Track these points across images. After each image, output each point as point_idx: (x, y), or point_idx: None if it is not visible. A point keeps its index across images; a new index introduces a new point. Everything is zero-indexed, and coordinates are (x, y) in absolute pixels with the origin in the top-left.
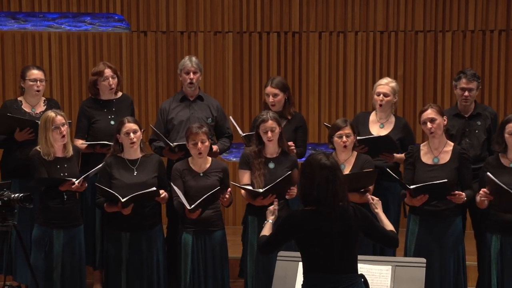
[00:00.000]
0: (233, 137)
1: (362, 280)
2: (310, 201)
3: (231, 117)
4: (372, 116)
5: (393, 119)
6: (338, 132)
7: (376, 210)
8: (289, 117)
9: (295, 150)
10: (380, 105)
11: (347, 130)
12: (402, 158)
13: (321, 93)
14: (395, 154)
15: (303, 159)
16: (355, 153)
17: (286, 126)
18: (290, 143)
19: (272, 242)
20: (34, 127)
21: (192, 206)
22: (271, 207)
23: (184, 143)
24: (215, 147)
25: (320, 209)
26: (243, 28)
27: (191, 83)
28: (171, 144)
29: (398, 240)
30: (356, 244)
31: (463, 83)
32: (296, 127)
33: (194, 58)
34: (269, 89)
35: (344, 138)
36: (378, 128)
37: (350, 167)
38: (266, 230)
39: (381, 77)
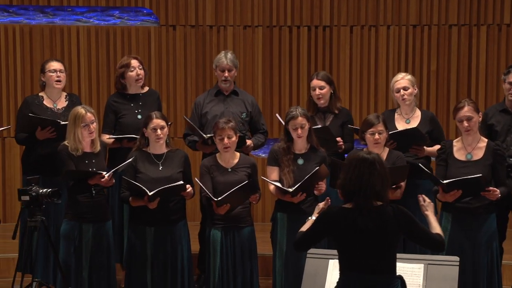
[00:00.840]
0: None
1: (400, 282)
2: (348, 197)
3: (277, 115)
4: (397, 114)
5: (418, 112)
6: (371, 129)
7: (426, 212)
8: (336, 112)
9: (343, 146)
10: (404, 99)
11: (380, 127)
12: (433, 151)
13: (352, 89)
14: (425, 148)
15: None
16: (386, 149)
17: (333, 121)
18: (338, 139)
19: (308, 238)
20: (55, 126)
21: (219, 198)
22: (321, 204)
23: None
24: (249, 142)
25: (357, 205)
26: (273, 22)
27: (225, 80)
28: (204, 135)
29: (443, 244)
30: (395, 244)
31: None
32: (343, 122)
33: (229, 55)
34: (315, 82)
35: (377, 136)
36: (404, 124)
37: None
38: (305, 226)
39: (413, 72)
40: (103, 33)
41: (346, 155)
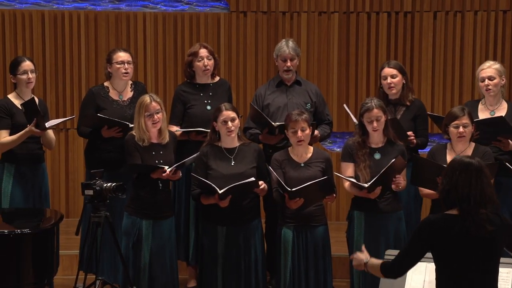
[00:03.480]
0: (334, 125)
1: None
2: (452, 204)
3: (345, 105)
4: (481, 105)
5: (504, 104)
6: (455, 122)
7: None
8: (408, 104)
9: (415, 141)
10: (488, 90)
11: (465, 120)
12: None
13: (435, 79)
14: (510, 141)
15: (426, 149)
16: (472, 144)
17: (404, 114)
18: (410, 133)
19: (408, 255)
20: (123, 128)
21: (294, 189)
22: (361, 255)
23: None
24: (316, 132)
25: (463, 213)
26: (350, 8)
27: (287, 70)
28: (273, 123)
29: None
30: (499, 256)
31: None
32: (415, 115)
33: (291, 43)
34: (386, 70)
35: (461, 129)
36: (488, 116)
37: None
38: (376, 261)
39: (502, 61)
40: (170, 20)
41: (420, 150)
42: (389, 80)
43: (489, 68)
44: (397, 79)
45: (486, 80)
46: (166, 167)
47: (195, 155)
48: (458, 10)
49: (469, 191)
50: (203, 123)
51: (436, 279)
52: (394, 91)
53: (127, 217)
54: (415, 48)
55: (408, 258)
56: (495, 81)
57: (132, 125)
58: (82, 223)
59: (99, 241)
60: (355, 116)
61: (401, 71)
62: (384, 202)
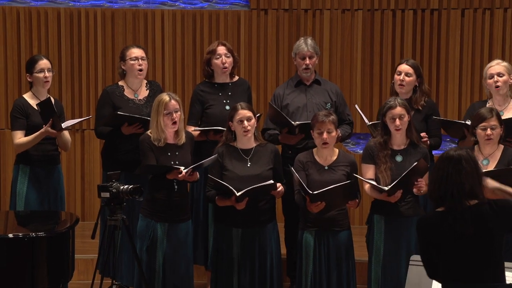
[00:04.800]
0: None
1: None
2: (438, 200)
3: (356, 106)
4: (489, 104)
5: None
6: (482, 124)
7: None
8: (420, 108)
9: (428, 142)
10: (497, 87)
11: (493, 121)
12: None
13: (462, 79)
14: None
15: (439, 151)
16: (501, 146)
17: (414, 116)
18: (423, 134)
19: (426, 262)
20: (143, 123)
21: (316, 192)
22: None
23: (308, 122)
24: (337, 132)
25: (449, 208)
26: (375, 5)
27: (306, 68)
28: (292, 122)
29: None
30: (500, 247)
31: None
32: (427, 115)
33: (309, 40)
34: (402, 66)
35: (489, 131)
36: None
37: (495, 162)
38: None
39: None
40: (189, 18)
41: (434, 152)
42: (402, 76)
43: (498, 65)
44: (410, 78)
45: (495, 76)
46: (182, 168)
47: (213, 156)
48: (487, 7)
49: (446, 184)
50: (222, 123)
51: (441, 279)
52: (403, 90)
53: (142, 219)
54: (441, 47)
55: (428, 264)
56: (504, 77)
57: None
58: (101, 227)
59: (117, 245)
60: (370, 118)
61: (417, 72)
62: (405, 205)
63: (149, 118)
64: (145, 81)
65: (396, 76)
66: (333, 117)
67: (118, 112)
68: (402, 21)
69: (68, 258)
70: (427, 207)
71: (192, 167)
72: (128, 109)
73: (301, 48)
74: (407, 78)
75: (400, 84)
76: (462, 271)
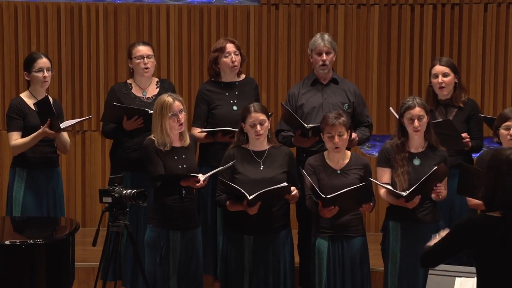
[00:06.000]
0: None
1: None
2: (495, 205)
3: (391, 108)
4: None
5: None
6: (505, 123)
7: None
8: (461, 105)
9: (470, 143)
10: None
11: None
12: None
13: (485, 77)
14: None
15: (477, 154)
16: None
17: (456, 116)
18: (464, 134)
19: (440, 252)
20: (142, 115)
21: (328, 196)
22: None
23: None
24: (354, 134)
25: (504, 216)
26: (392, 0)
27: (323, 65)
28: (305, 125)
29: None
30: None
31: None
32: (468, 116)
33: (326, 36)
34: (437, 68)
35: None
36: None
37: None
38: (433, 241)
39: None
40: (196, 13)
41: (474, 154)
42: (440, 79)
43: None
44: (449, 78)
45: None
46: (200, 175)
47: (229, 164)
48: (511, 1)
49: (503, 190)
50: (229, 124)
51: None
52: (445, 91)
53: (152, 229)
54: (463, 44)
55: (440, 255)
56: None
57: (151, 111)
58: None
59: (122, 252)
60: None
61: (454, 69)
62: (423, 211)
63: (146, 109)
64: (156, 79)
65: (433, 80)
66: (343, 118)
67: (114, 103)
68: (421, 17)
69: (68, 266)
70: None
71: (209, 175)
72: (133, 106)
73: (317, 43)
74: (445, 79)
75: (440, 87)
76: (508, 284)
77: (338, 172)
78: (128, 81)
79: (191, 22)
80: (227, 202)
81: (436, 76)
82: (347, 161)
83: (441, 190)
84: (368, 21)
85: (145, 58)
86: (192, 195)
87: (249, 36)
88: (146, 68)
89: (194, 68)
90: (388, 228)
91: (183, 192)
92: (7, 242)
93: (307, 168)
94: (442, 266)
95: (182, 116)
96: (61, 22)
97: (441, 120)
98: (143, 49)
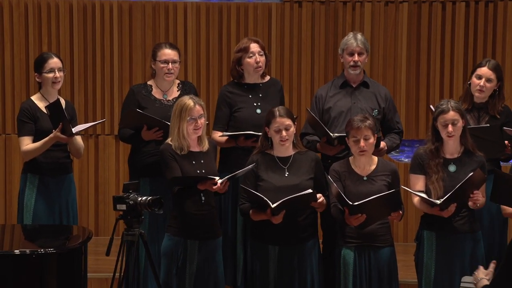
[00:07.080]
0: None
1: None
2: None
3: (431, 106)
4: None
5: None
6: None
7: None
8: (497, 116)
9: (510, 151)
10: None
11: None
12: None
13: None
14: None
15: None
16: None
17: (489, 122)
18: (506, 142)
19: (505, 280)
20: (164, 129)
21: (355, 203)
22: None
23: None
24: (382, 144)
25: None
26: None
27: (355, 66)
28: (330, 133)
29: None
30: None
31: None
32: (503, 123)
33: (359, 36)
34: (484, 70)
35: None
36: None
37: None
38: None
39: None
40: (215, 11)
41: (501, 162)
42: (482, 82)
43: None
44: (491, 84)
45: None
46: (217, 178)
47: (249, 166)
48: None
49: None
50: (252, 127)
51: None
52: (482, 95)
53: (169, 238)
54: (497, 43)
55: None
56: None
57: None
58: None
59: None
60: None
61: (499, 76)
62: (460, 220)
63: (168, 123)
64: (178, 81)
65: (475, 80)
66: (369, 121)
67: (137, 110)
68: (453, 14)
69: (80, 277)
70: (494, 222)
71: (228, 178)
72: (153, 110)
73: (349, 43)
74: (488, 84)
75: (479, 90)
76: None
77: (365, 178)
78: (149, 82)
79: (210, 21)
80: (251, 211)
81: (480, 77)
82: (373, 167)
83: (478, 197)
84: (397, 19)
85: (170, 63)
86: (213, 203)
87: (271, 35)
88: (169, 74)
89: (213, 69)
90: (422, 238)
91: (202, 198)
92: (16, 252)
93: (332, 174)
94: (473, 278)
95: (201, 122)
96: (74, 21)
97: (487, 125)
98: (169, 53)
